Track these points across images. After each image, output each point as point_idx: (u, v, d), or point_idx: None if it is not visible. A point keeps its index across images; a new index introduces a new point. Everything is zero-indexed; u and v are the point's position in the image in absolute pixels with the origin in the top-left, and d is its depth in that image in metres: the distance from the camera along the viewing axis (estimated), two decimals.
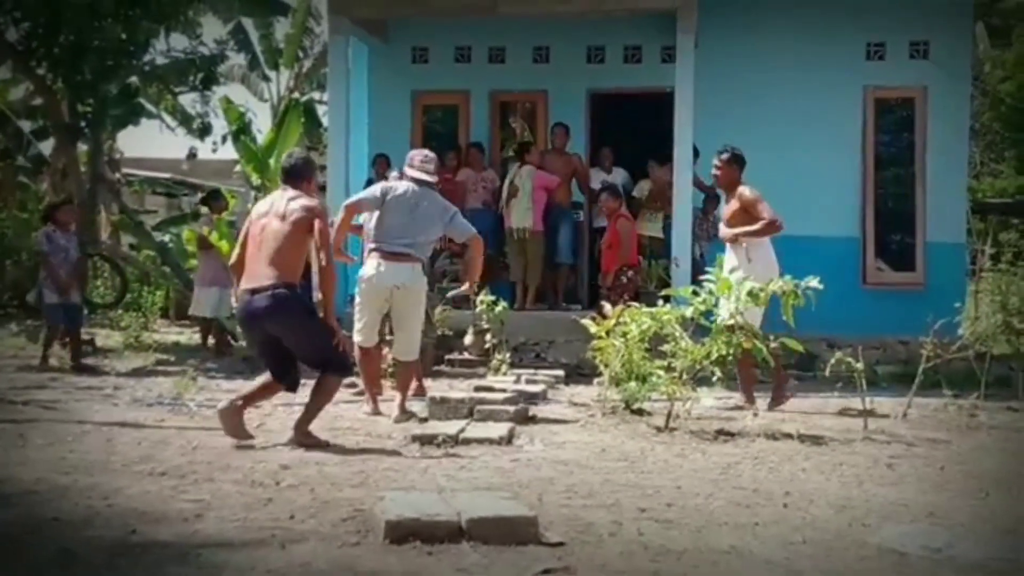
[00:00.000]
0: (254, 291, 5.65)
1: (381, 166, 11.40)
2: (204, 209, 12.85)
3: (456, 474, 4.99)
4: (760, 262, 7.64)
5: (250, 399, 5.86)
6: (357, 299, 7.24)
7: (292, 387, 5.89)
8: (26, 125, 17.70)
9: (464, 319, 9.78)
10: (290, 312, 5.64)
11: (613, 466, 5.33)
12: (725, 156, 7.89)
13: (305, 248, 5.80)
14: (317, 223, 5.73)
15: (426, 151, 7.54)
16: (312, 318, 5.80)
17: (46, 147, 17.47)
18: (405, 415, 6.75)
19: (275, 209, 5.78)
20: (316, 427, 5.94)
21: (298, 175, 5.94)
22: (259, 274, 5.66)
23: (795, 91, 11.47)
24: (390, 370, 7.62)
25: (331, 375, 5.79)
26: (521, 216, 11.06)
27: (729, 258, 7.77)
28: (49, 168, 16.73)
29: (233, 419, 5.68)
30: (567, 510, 4.29)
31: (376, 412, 6.98)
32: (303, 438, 5.66)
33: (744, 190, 7.84)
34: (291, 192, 5.84)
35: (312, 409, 5.76)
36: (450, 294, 8.91)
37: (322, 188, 16.24)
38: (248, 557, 3.54)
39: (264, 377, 5.92)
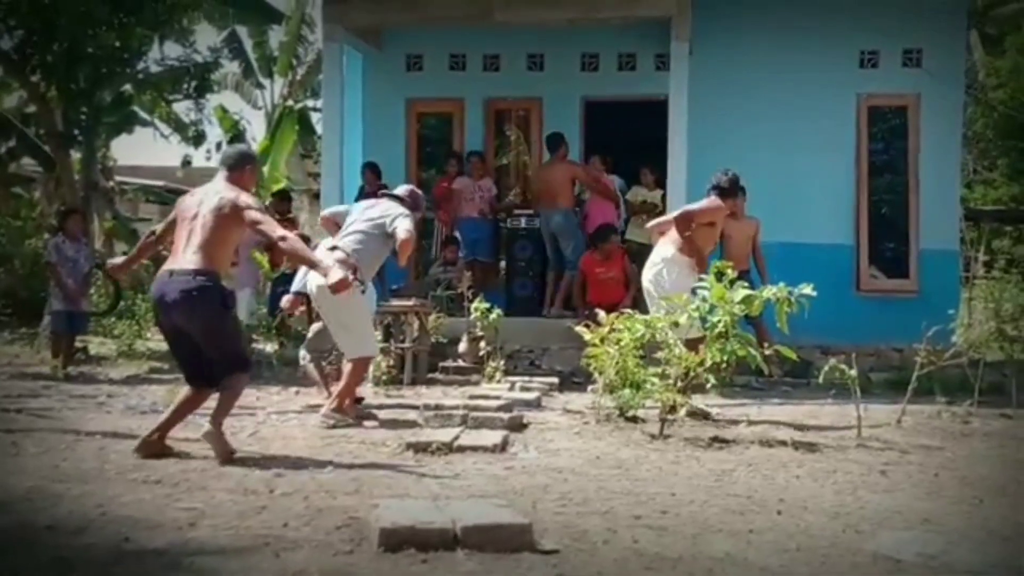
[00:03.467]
0: (172, 272, 5.44)
1: (369, 175, 11.40)
2: None
3: (450, 482, 4.98)
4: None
5: (167, 426, 5.55)
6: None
7: (209, 383, 5.54)
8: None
9: (458, 326, 9.77)
10: (203, 303, 5.35)
11: (607, 473, 5.33)
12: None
13: (231, 243, 5.61)
14: (248, 215, 5.47)
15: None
16: (226, 315, 5.51)
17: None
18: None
19: (206, 199, 5.56)
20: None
21: (232, 166, 5.70)
22: (183, 259, 5.46)
23: (789, 98, 11.49)
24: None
25: (238, 373, 5.52)
26: None
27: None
28: (51, 173, 16.70)
29: (154, 449, 5.47)
30: (561, 517, 4.29)
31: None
32: (217, 440, 5.37)
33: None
34: (222, 184, 5.60)
35: (222, 409, 5.46)
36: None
37: (316, 196, 16.29)
38: (242, 565, 3.53)
39: (181, 395, 5.64)
